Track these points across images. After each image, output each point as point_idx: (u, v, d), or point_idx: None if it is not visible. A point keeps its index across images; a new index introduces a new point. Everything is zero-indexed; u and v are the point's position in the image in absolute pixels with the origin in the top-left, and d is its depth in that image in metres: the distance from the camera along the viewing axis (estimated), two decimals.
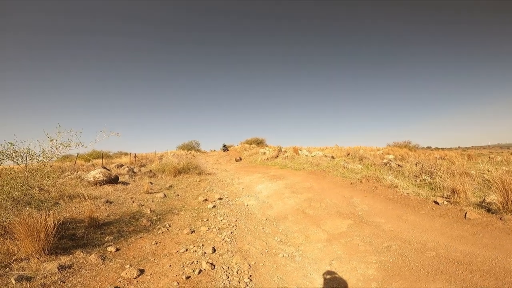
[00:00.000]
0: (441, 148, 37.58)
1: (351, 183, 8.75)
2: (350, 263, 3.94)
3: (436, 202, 5.96)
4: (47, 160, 4.76)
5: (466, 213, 5.10)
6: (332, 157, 15.61)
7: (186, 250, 4.32)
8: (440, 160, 12.64)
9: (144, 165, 16.46)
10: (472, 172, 7.99)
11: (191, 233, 5.13)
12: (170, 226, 5.49)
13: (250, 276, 3.63)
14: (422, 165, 9.64)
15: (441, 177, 7.53)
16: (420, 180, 8.32)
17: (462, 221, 4.93)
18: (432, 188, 7.30)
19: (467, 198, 5.71)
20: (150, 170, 13.05)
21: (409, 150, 22.37)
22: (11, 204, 4.17)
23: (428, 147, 36.96)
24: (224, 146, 37.19)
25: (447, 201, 5.84)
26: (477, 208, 5.32)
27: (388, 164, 11.31)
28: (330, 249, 4.48)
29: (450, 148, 42.74)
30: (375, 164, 12.24)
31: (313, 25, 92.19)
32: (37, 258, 3.48)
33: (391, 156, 15.38)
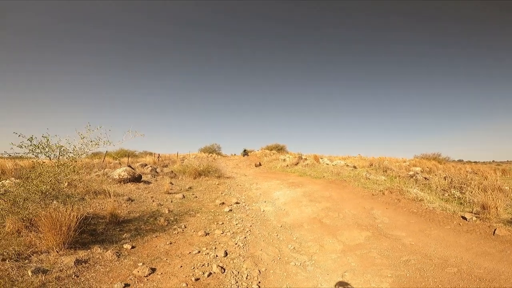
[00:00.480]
0: (474, 162, 35.21)
1: (373, 194, 8.46)
2: (363, 276, 3.79)
3: (464, 218, 5.65)
4: (77, 157, 5.06)
5: (495, 230, 4.79)
6: (354, 167, 15.21)
7: (199, 252, 4.36)
8: (472, 174, 11.90)
9: (166, 166, 16.94)
10: (506, 187, 7.44)
11: (205, 235, 5.18)
12: (185, 227, 5.59)
13: (259, 282, 3.59)
14: (451, 179, 9.14)
15: (471, 192, 7.11)
16: (448, 194, 7.90)
17: (490, 238, 4.64)
18: (460, 203, 6.93)
19: (498, 214, 5.36)
20: (172, 171, 13.40)
21: (438, 162, 21.17)
22: (39, 197, 4.44)
23: (459, 160, 34.77)
24: (245, 151, 37.07)
25: (476, 217, 5.52)
26: (508, 224, 5.00)
27: (414, 177, 10.84)
28: (344, 260, 4.34)
29: (484, 162, 39.85)
30: (399, 176, 11.76)
31: (338, 33, 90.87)
32: (57, 252, 3.67)
33: (417, 169, 14.64)
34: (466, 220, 5.54)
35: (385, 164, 14.97)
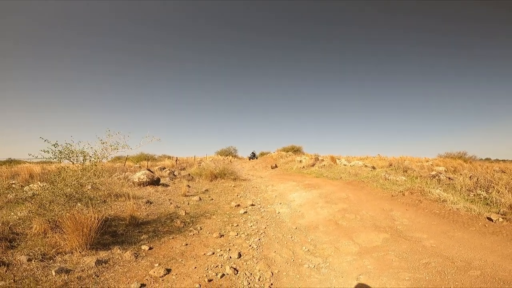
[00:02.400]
0: (502, 160, 33.28)
1: (392, 195, 8.25)
2: (379, 279, 3.71)
3: (489, 219, 5.44)
4: (98, 161, 5.32)
5: None
6: (373, 167, 14.87)
7: (213, 253, 4.45)
8: (500, 173, 11.30)
9: (184, 169, 17.29)
10: None
11: (220, 237, 5.26)
12: (201, 229, 5.70)
13: (271, 284, 3.61)
14: (477, 179, 8.74)
15: (498, 192, 6.78)
16: (474, 195, 7.57)
17: None
18: (487, 204, 6.64)
19: None
20: (189, 174, 13.68)
21: (463, 161, 20.26)
22: (64, 200, 4.69)
23: (487, 159, 33.08)
24: (253, 153, 35.78)
25: (502, 218, 5.31)
26: None
27: (436, 177, 10.45)
28: (360, 263, 4.27)
29: None
30: (421, 176, 11.38)
31: (354, 31, 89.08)
32: (79, 252, 3.86)
33: (441, 168, 14.09)
34: (492, 221, 5.33)
35: (406, 164, 14.51)
